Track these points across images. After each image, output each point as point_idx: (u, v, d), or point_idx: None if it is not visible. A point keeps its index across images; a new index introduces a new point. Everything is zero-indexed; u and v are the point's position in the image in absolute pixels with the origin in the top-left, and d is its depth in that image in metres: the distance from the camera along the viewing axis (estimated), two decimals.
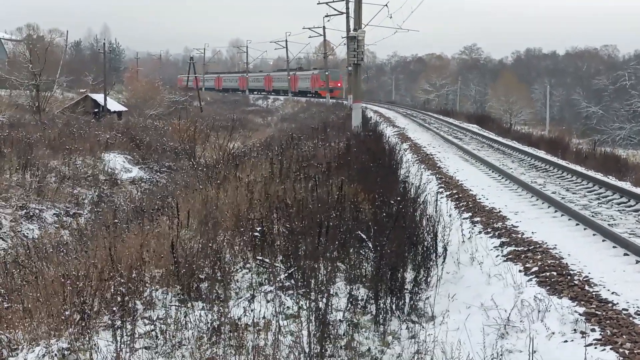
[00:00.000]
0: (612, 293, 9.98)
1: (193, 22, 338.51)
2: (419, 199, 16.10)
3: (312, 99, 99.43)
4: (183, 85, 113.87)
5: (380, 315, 10.40)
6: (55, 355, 9.21)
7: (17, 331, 10.19)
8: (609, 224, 14.33)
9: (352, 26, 39.50)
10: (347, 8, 64.31)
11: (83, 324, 9.63)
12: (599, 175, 21.82)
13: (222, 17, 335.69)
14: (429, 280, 11.93)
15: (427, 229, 13.43)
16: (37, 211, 27.74)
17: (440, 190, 20.33)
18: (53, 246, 17.47)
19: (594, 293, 9.97)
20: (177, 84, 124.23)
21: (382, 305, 10.52)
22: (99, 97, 72.01)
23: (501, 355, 8.66)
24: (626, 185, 20.02)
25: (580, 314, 9.09)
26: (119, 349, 8.92)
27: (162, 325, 9.95)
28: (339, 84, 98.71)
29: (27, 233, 25.43)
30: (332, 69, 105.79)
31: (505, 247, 13.17)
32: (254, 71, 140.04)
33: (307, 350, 9.00)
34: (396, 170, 21.60)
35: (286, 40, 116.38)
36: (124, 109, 75.22)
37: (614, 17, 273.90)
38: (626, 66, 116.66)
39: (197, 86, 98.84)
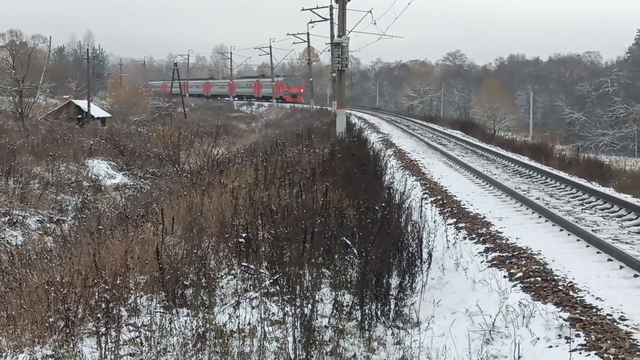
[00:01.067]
0: (597, 298, 10.02)
1: (177, 29, 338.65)
2: (403, 205, 16.11)
3: (297, 105, 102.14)
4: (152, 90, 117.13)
5: (366, 321, 10.40)
6: None
7: (0, 338, 10.13)
8: (592, 230, 14.39)
9: (336, 32, 39.56)
10: (331, 14, 64.53)
11: (67, 331, 9.58)
12: (583, 181, 21.91)
13: (206, 23, 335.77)
14: (414, 286, 11.94)
15: (412, 234, 13.45)
16: (20, 218, 27.61)
17: (425, 196, 20.37)
18: (37, 253, 17.35)
19: (578, 298, 10.01)
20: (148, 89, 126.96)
21: (367, 311, 10.52)
22: (82, 103, 71.86)
23: None
24: (609, 191, 20.11)
25: (565, 320, 9.12)
26: (103, 356, 8.88)
27: (147, 332, 9.91)
28: (302, 90, 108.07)
29: (11, 240, 25.28)
30: (295, 76, 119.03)
31: (490, 252, 13.20)
32: (217, 78, 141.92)
33: (292, 356, 8.98)
34: (381, 176, 21.63)
35: (270, 47, 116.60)
36: (107, 115, 75.05)
37: (596, 24, 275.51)
38: (609, 72, 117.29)
39: (181, 92, 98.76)
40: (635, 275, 11.07)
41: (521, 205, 17.88)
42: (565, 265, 11.82)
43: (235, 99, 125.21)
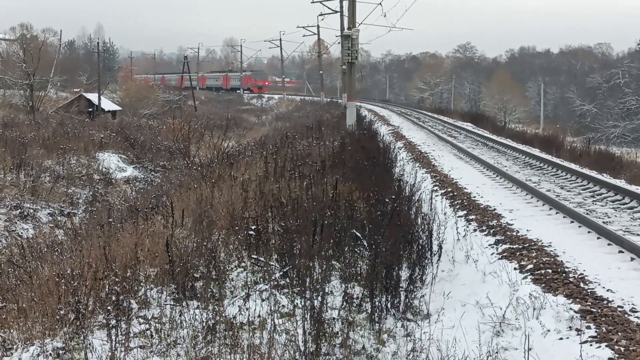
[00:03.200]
0: (608, 290, 9.99)
1: (187, 22, 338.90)
2: (413, 197, 16.09)
3: (306, 98, 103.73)
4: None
5: (376, 314, 10.40)
6: (50, 354, 9.19)
7: (11, 331, 10.17)
8: (603, 222, 14.33)
9: (346, 25, 39.43)
10: (341, 7, 64.40)
11: (78, 324, 9.61)
12: (594, 173, 21.84)
13: (216, 16, 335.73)
14: (424, 278, 11.92)
15: (422, 227, 13.42)
16: (31, 211, 27.70)
17: (435, 188, 20.33)
18: (47, 246, 17.42)
19: (589, 290, 9.97)
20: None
21: (377, 303, 10.51)
22: (93, 97, 71.92)
23: (496, 352, 8.65)
24: (621, 182, 20.05)
25: (575, 312, 9.09)
26: (113, 348, 8.90)
27: (157, 324, 9.93)
28: (267, 83, 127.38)
29: (22, 233, 25.38)
30: (261, 71, 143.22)
31: (500, 245, 13.16)
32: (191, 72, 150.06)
33: (302, 348, 8.99)
34: (391, 168, 21.60)
35: (280, 40, 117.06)
36: (118, 108, 75.14)
37: (608, 15, 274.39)
38: (620, 64, 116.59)
39: (191, 85, 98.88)
40: None
41: (532, 197, 17.83)
42: (576, 257, 11.78)
43: (205, 89, 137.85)
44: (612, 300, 9.54)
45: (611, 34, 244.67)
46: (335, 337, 9.59)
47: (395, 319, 10.58)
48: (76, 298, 9.83)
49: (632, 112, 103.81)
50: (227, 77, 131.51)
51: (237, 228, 13.25)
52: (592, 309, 9.17)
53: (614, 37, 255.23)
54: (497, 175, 22.34)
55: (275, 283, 11.30)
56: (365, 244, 12.50)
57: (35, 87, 66.18)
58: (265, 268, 11.76)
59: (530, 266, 11.39)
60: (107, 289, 10.32)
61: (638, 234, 13.31)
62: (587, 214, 15.18)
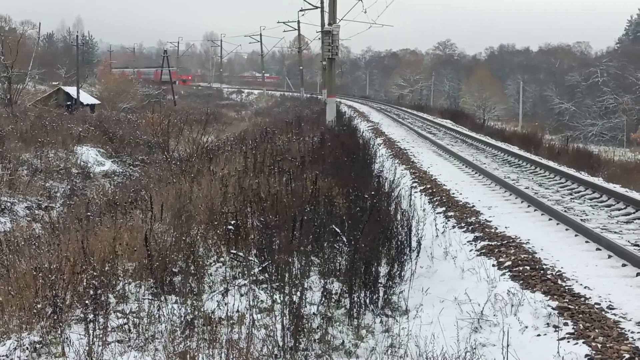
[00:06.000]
0: (585, 287, 10.04)
1: (167, 15, 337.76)
2: (393, 194, 16.12)
3: (286, 93, 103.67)
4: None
5: (354, 309, 10.41)
6: (27, 348, 9.13)
7: None
8: (581, 219, 14.41)
9: (327, 21, 39.46)
10: (322, 2, 64.28)
11: (55, 317, 9.55)
12: (572, 171, 21.96)
13: (196, 10, 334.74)
14: (402, 274, 11.95)
15: (401, 223, 13.45)
16: (8, 204, 27.51)
17: (414, 184, 20.37)
18: (25, 239, 17.29)
19: (566, 287, 10.02)
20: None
21: (356, 299, 10.52)
22: (71, 90, 71.60)
23: (475, 348, 8.68)
24: (598, 180, 20.17)
25: (553, 308, 9.13)
26: (91, 343, 8.86)
27: (135, 319, 9.89)
28: (189, 77, 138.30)
29: None
30: (186, 68, 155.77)
31: (479, 241, 13.21)
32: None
33: (281, 343, 8.99)
34: (370, 164, 21.63)
35: (260, 35, 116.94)
36: (97, 102, 74.83)
37: (587, 14, 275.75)
38: (598, 63, 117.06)
39: (170, 79, 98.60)
40: (624, 265, 11.09)
41: (510, 195, 17.90)
42: (553, 254, 11.84)
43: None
44: (590, 297, 9.59)
45: (590, 32, 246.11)
46: (314, 332, 9.59)
47: (374, 314, 10.59)
48: (54, 292, 9.76)
49: (610, 111, 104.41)
50: (157, 72, 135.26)
51: (216, 223, 13.22)
52: (569, 306, 9.21)
53: (593, 36, 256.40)
54: (476, 172, 22.41)
55: (254, 278, 11.28)
56: (344, 239, 12.50)
57: (14, 80, 65.65)
58: (244, 263, 11.74)
59: (509, 263, 11.44)
60: (84, 283, 10.26)
61: (615, 232, 13.39)
62: (565, 211, 15.26)
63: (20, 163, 32.89)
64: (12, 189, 29.08)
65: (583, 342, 8.10)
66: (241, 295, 10.68)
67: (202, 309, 9.97)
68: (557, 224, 14.20)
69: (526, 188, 18.60)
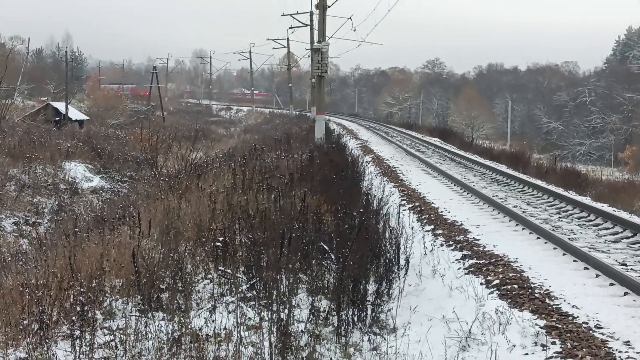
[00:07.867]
0: (573, 306, 10.05)
1: (157, 32, 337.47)
2: (381, 211, 16.12)
3: (275, 110, 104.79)
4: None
5: (342, 327, 10.38)
6: None
7: None
8: (569, 238, 14.45)
9: (316, 38, 39.59)
10: (312, 20, 64.63)
11: (41, 334, 9.49)
12: (560, 190, 22.02)
13: (186, 27, 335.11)
14: (391, 292, 11.92)
15: (390, 241, 13.42)
16: None
17: (403, 202, 20.38)
18: (12, 255, 17.23)
19: (554, 306, 10.03)
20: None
21: (344, 316, 10.49)
22: (60, 106, 71.55)
23: None
24: (586, 200, 20.24)
25: (541, 327, 9.13)
26: (77, 359, 8.80)
27: (122, 336, 9.83)
28: (147, 93, 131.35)
29: None
30: (145, 85, 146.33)
31: (467, 260, 13.21)
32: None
33: None
34: (359, 182, 21.63)
35: (250, 52, 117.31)
36: (85, 117, 74.78)
37: (575, 34, 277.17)
38: (586, 82, 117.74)
39: (159, 95, 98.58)
40: (611, 284, 11.11)
41: (498, 213, 17.93)
42: (541, 273, 11.85)
43: None
44: (577, 317, 9.60)
45: (578, 52, 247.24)
46: (301, 350, 9.55)
47: (362, 332, 10.56)
48: (40, 308, 9.71)
49: (598, 130, 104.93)
50: (119, 87, 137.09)
51: (204, 240, 13.18)
52: (557, 325, 9.22)
53: (581, 56, 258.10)
54: (464, 191, 22.44)
55: (242, 295, 11.25)
56: (332, 257, 12.48)
57: (2, 95, 65.53)
58: (232, 280, 11.70)
59: (497, 281, 11.44)
60: (71, 299, 10.20)
61: (603, 251, 13.43)
62: (553, 230, 15.29)
63: (8, 178, 32.80)
64: (0, 205, 28.96)
65: None
66: (229, 312, 10.64)
67: (189, 326, 9.92)
68: (545, 242, 14.23)
69: (514, 207, 18.65)
